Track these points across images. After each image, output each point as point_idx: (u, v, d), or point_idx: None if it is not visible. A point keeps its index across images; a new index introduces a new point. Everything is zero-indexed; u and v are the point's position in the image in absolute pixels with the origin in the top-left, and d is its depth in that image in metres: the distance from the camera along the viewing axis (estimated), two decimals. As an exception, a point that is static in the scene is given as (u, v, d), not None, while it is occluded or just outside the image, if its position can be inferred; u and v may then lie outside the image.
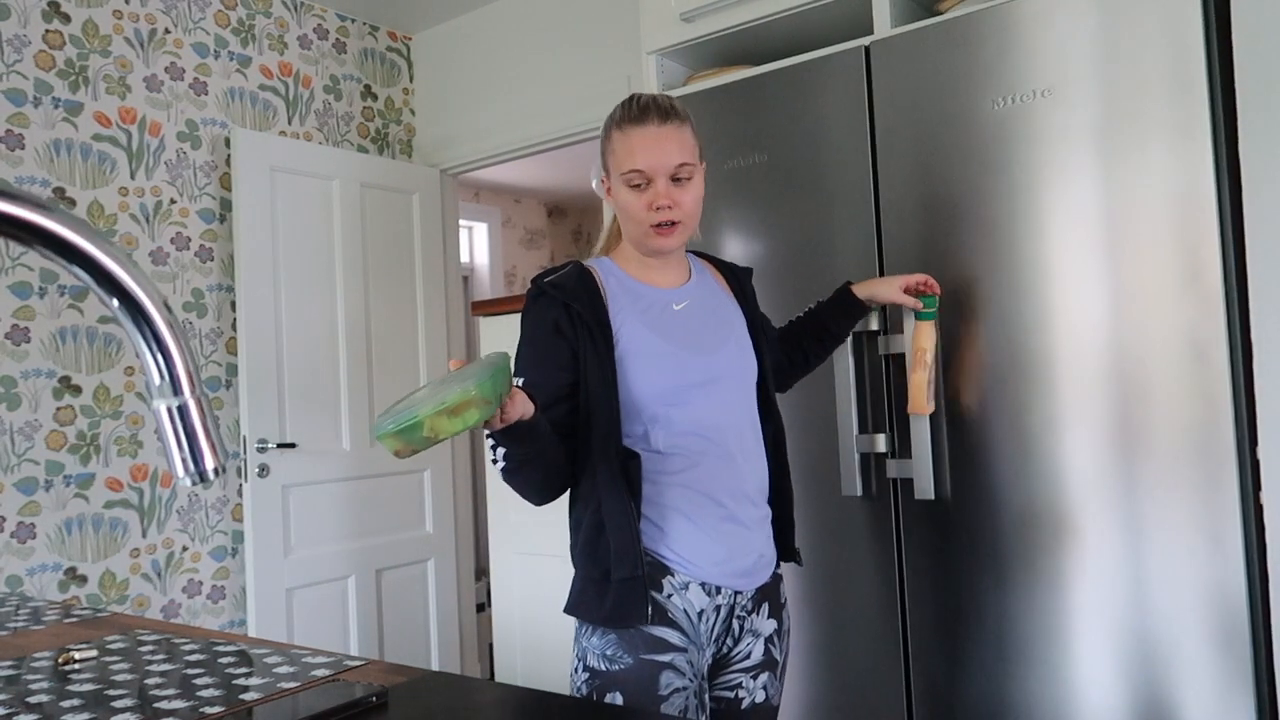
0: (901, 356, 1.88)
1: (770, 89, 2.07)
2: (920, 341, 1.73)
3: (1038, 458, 1.73)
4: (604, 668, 1.38)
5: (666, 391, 1.42)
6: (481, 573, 4.44)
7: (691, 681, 1.39)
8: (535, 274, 1.54)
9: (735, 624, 1.46)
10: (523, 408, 1.22)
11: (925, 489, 1.82)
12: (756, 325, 1.55)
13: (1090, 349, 1.68)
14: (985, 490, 1.78)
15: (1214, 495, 1.57)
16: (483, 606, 4.15)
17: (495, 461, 1.35)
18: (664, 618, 1.39)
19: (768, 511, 1.51)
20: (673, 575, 1.41)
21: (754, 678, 1.48)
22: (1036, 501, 1.73)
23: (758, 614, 1.48)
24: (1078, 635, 1.69)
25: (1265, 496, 1.56)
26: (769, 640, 1.50)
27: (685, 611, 1.41)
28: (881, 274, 1.91)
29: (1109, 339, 1.67)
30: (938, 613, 1.84)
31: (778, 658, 1.52)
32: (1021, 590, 1.74)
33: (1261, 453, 1.57)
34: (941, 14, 1.94)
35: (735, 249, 2.11)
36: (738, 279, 1.60)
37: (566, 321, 1.42)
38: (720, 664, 1.47)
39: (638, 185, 1.43)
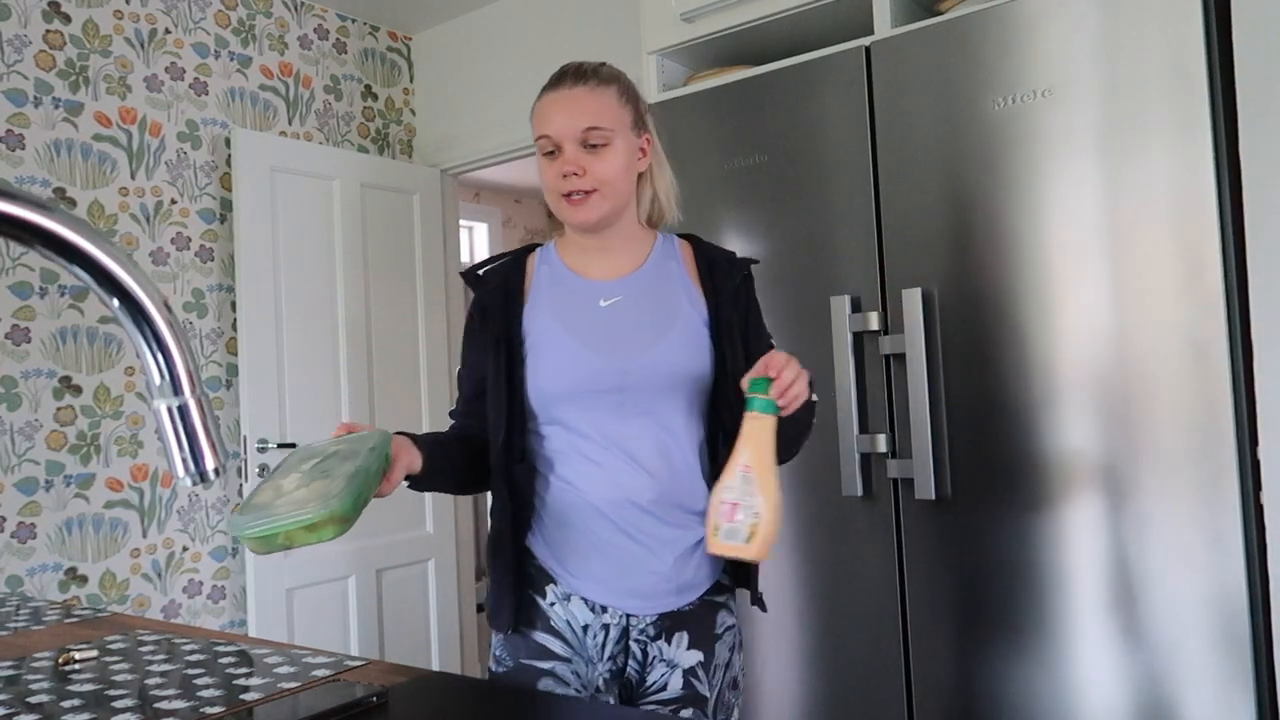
0: (903, 356, 1.87)
1: (770, 89, 2.07)
2: (753, 450, 1.16)
3: (1038, 457, 1.73)
4: (493, 668, 1.37)
5: (566, 393, 1.34)
6: (482, 573, 4.44)
7: (579, 693, 1.33)
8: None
9: (636, 648, 1.35)
10: (403, 474, 1.24)
11: (925, 489, 1.82)
12: (725, 323, 1.37)
13: (1091, 348, 1.68)
14: (986, 490, 1.78)
15: (1214, 495, 1.57)
16: (483, 607, 4.15)
17: None
18: (547, 625, 1.34)
19: (695, 534, 1.35)
20: (555, 584, 1.35)
21: (675, 712, 1.34)
22: (1037, 501, 1.73)
23: (669, 643, 1.35)
24: (1078, 635, 1.69)
25: (1265, 496, 1.56)
26: (690, 673, 1.35)
27: (568, 623, 1.34)
28: (882, 275, 1.91)
29: (1109, 339, 1.66)
30: (938, 613, 1.83)
31: (705, 693, 1.35)
32: (1022, 590, 1.74)
33: (1262, 452, 1.56)
34: (942, 14, 1.94)
35: (735, 249, 2.11)
36: (714, 270, 1.42)
37: (480, 317, 1.40)
38: (634, 690, 1.37)
39: (550, 153, 1.35)
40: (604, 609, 1.34)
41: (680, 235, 1.49)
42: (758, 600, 1.44)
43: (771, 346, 1.44)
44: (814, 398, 1.33)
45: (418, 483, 1.32)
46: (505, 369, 1.36)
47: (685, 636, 1.36)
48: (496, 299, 1.39)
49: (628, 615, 1.34)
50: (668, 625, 1.35)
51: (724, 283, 1.42)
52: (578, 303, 1.38)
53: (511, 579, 1.34)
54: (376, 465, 1.15)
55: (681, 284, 1.42)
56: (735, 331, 1.39)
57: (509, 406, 1.35)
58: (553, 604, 1.35)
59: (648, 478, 1.33)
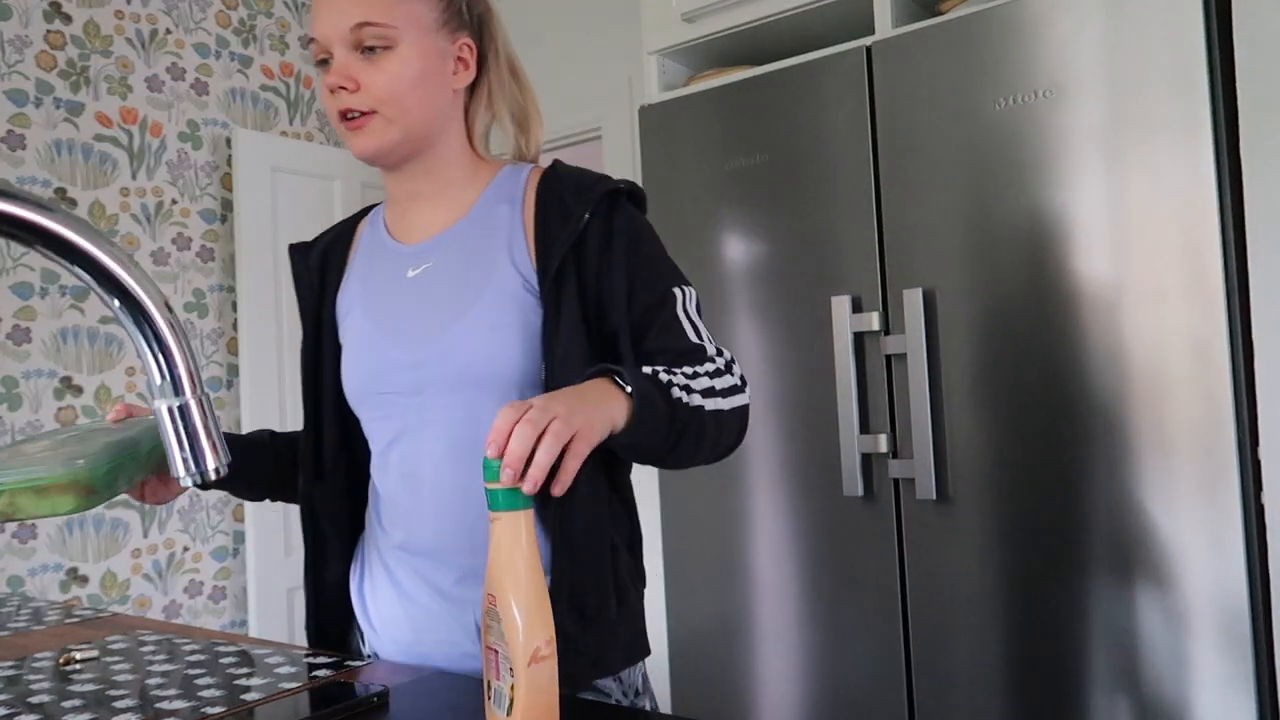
0: (904, 357, 1.87)
1: (771, 89, 2.07)
2: (495, 569, 0.76)
3: (1039, 458, 1.73)
4: None
5: (361, 395, 1.08)
6: (482, 573, 4.42)
7: None
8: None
9: None
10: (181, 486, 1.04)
11: (926, 489, 1.82)
12: (559, 289, 1.00)
13: (1092, 349, 1.68)
14: (987, 490, 1.78)
15: (1215, 496, 1.57)
16: (484, 607, 4.14)
17: None
18: None
19: None
20: (363, 641, 1.13)
21: None
22: (1038, 501, 1.73)
23: None
24: (1079, 635, 1.69)
25: (1266, 497, 1.56)
26: None
27: None
28: (883, 275, 1.91)
29: (1110, 339, 1.66)
30: (939, 613, 1.83)
31: None
32: (1023, 591, 1.74)
33: (1263, 453, 1.56)
34: (943, 14, 1.94)
35: (735, 249, 2.11)
36: (550, 210, 1.03)
37: (300, 299, 1.18)
38: None
39: (322, 61, 1.04)
40: None
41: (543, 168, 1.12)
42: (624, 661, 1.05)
43: (669, 300, 1.02)
44: (691, 400, 0.95)
45: (218, 485, 1.11)
46: (312, 363, 1.13)
47: None
48: (311, 277, 1.15)
49: None
50: None
51: (560, 228, 1.01)
52: (385, 274, 1.10)
53: (312, 627, 1.13)
54: (150, 445, 0.97)
55: (508, 235, 1.04)
56: (576, 298, 1.00)
57: (313, 410, 1.12)
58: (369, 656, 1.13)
59: (433, 515, 1.03)
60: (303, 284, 1.16)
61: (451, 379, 1.01)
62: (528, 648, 0.74)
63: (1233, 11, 1.59)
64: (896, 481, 1.89)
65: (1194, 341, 1.59)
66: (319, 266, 1.16)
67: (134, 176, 3.00)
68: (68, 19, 2.87)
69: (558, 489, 0.80)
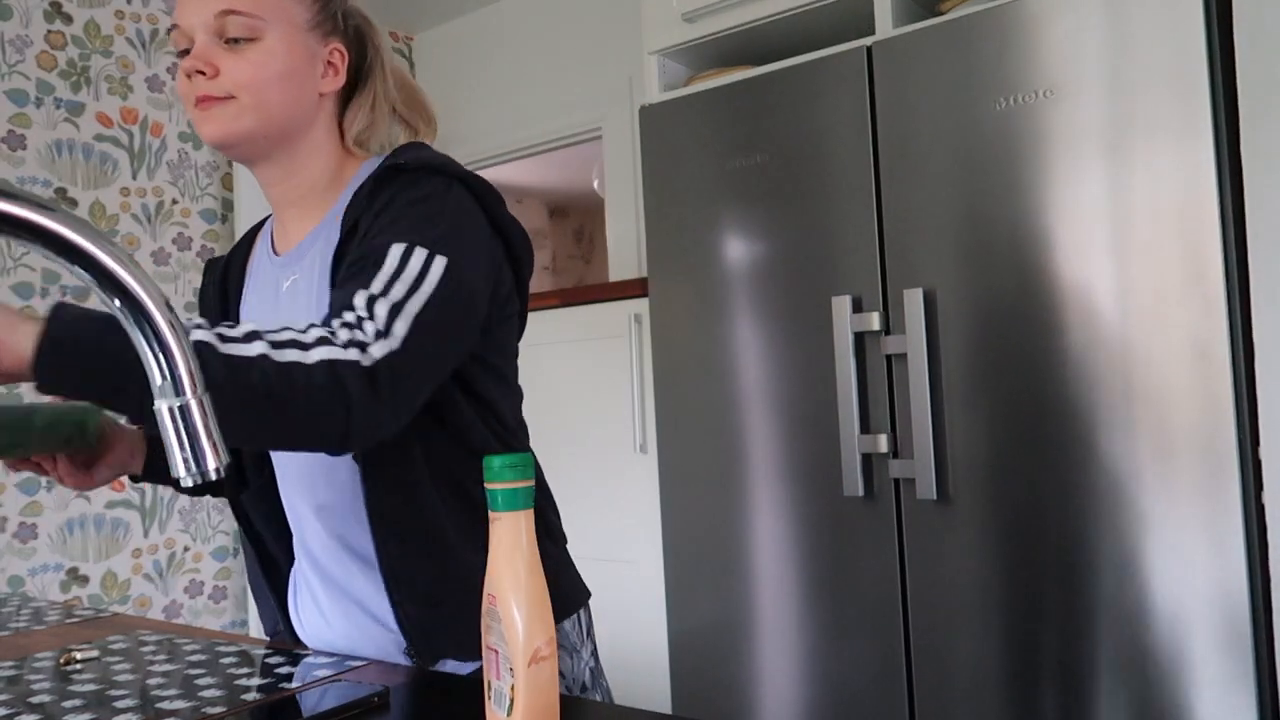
0: (904, 357, 1.87)
1: (771, 89, 2.07)
2: (494, 567, 0.75)
3: (1040, 458, 1.73)
4: None
5: None
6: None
7: None
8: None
9: None
10: (113, 470, 1.05)
11: (927, 489, 1.82)
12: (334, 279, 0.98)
13: (1092, 348, 1.68)
14: (987, 490, 1.78)
15: (1216, 496, 1.57)
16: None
17: None
18: None
19: (369, 592, 1.06)
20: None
21: None
22: (1038, 502, 1.73)
23: None
24: (1079, 635, 1.69)
25: (1267, 497, 1.56)
26: None
27: None
28: (883, 275, 1.91)
29: (1111, 339, 1.66)
30: (939, 613, 1.83)
31: None
32: (1023, 590, 1.74)
33: (1263, 453, 1.56)
34: (943, 14, 1.94)
35: (736, 249, 2.11)
36: (352, 204, 1.01)
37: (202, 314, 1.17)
38: None
39: (184, 51, 1.01)
40: None
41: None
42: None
43: (378, 253, 0.91)
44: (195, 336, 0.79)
45: (145, 478, 1.12)
46: None
47: None
48: (214, 293, 1.15)
49: None
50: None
51: (349, 215, 1.00)
52: (266, 287, 1.09)
53: (277, 631, 1.16)
54: (53, 420, 0.93)
55: (335, 237, 1.03)
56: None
57: None
58: None
59: (312, 519, 1.06)
60: (205, 301, 1.16)
61: None
62: (528, 648, 0.73)
63: (1233, 11, 1.59)
64: (897, 481, 1.89)
65: (1194, 341, 1.59)
66: (220, 281, 1.16)
67: (134, 176, 3.00)
68: (68, 19, 2.87)
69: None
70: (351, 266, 0.92)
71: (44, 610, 1.37)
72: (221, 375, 0.76)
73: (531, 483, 0.75)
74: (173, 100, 3.10)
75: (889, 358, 1.90)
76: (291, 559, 1.16)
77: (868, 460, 1.92)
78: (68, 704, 0.90)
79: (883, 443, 1.89)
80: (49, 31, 2.83)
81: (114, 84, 2.97)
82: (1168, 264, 1.62)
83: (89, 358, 0.74)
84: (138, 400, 0.75)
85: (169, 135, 3.09)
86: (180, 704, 0.89)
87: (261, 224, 1.19)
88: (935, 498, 1.82)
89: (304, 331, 0.83)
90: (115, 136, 2.96)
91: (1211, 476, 1.57)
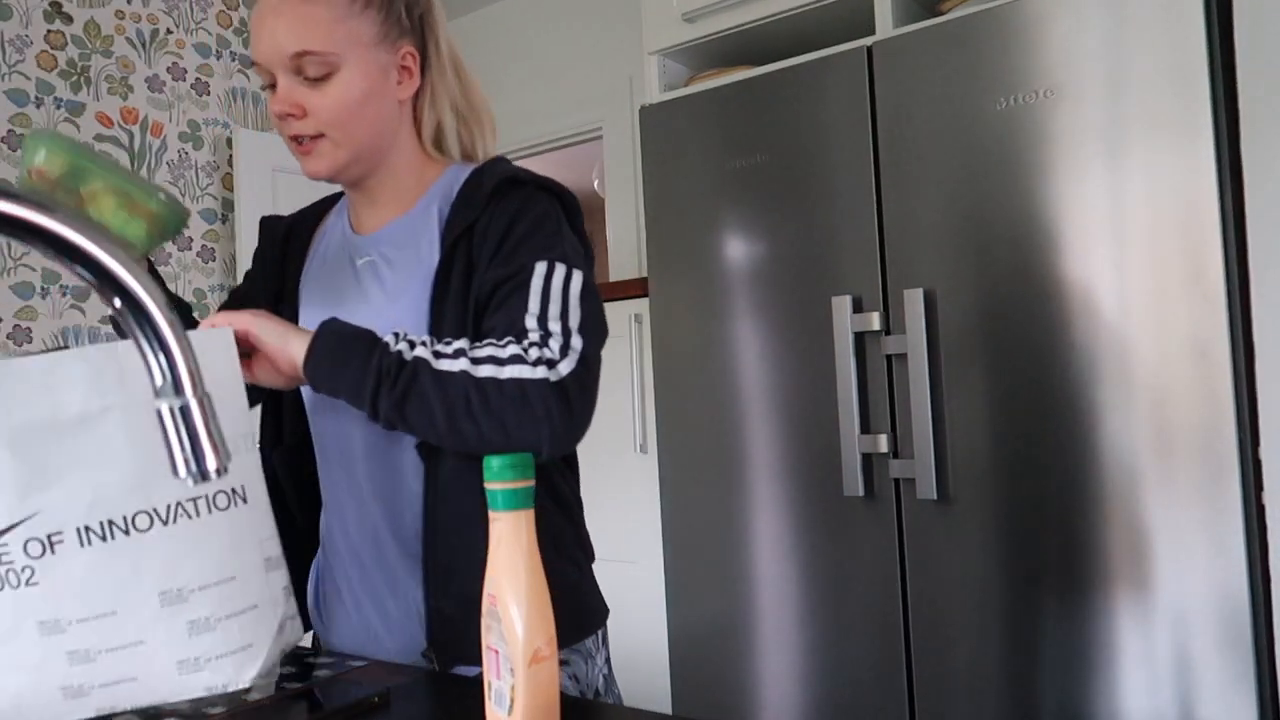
0: (904, 357, 1.87)
1: (772, 89, 2.07)
2: (494, 566, 0.76)
3: (1040, 458, 1.73)
4: None
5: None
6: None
7: None
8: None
9: None
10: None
11: (927, 489, 1.82)
12: (449, 282, 1.02)
13: (1093, 349, 1.68)
14: (987, 490, 1.78)
15: (1216, 496, 1.57)
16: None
17: None
18: None
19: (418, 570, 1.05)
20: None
21: None
22: (1039, 502, 1.73)
23: None
24: (1080, 636, 1.69)
25: (1267, 497, 1.56)
26: None
27: None
28: (883, 275, 1.91)
29: (1111, 339, 1.66)
30: (940, 613, 1.83)
31: None
32: (1024, 591, 1.74)
33: (1264, 453, 1.56)
34: (943, 14, 1.94)
35: (736, 249, 2.11)
36: (458, 208, 1.05)
37: (258, 268, 1.19)
38: None
39: (270, 86, 1.04)
40: None
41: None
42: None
43: (525, 272, 0.98)
44: (413, 353, 0.93)
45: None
46: None
47: None
48: (275, 251, 1.17)
49: None
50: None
51: (461, 209, 1.04)
52: (339, 261, 1.12)
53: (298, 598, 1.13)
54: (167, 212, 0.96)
55: (433, 230, 1.07)
56: (464, 279, 1.01)
57: (272, 393, 1.11)
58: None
59: (389, 496, 1.05)
60: (267, 259, 1.17)
61: None
62: (528, 648, 0.73)
63: (1233, 12, 1.59)
64: (897, 481, 1.89)
65: (1195, 341, 1.59)
66: (282, 242, 1.18)
67: (135, 176, 3.00)
68: (68, 19, 2.87)
69: (251, 376, 0.93)
70: (503, 286, 0.98)
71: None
72: (431, 389, 0.90)
73: (531, 483, 0.75)
74: (173, 100, 3.10)
75: (889, 358, 1.90)
76: (313, 542, 1.15)
77: (868, 460, 1.92)
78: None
79: (883, 443, 1.89)
80: (49, 31, 2.83)
81: (114, 84, 2.97)
82: (1168, 264, 1.62)
83: (340, 367, 0.91)
84: (371, 403, 0.91)
85: (169, 135, 3.09)
86: (182, 704, 0.89)
87: (333, 199, 1.21)
88: (935, 498, 1.82)
89: (501, 346, 0.93)
90: (115, 136, 2.96)
91: (1211, 476, 1.57)
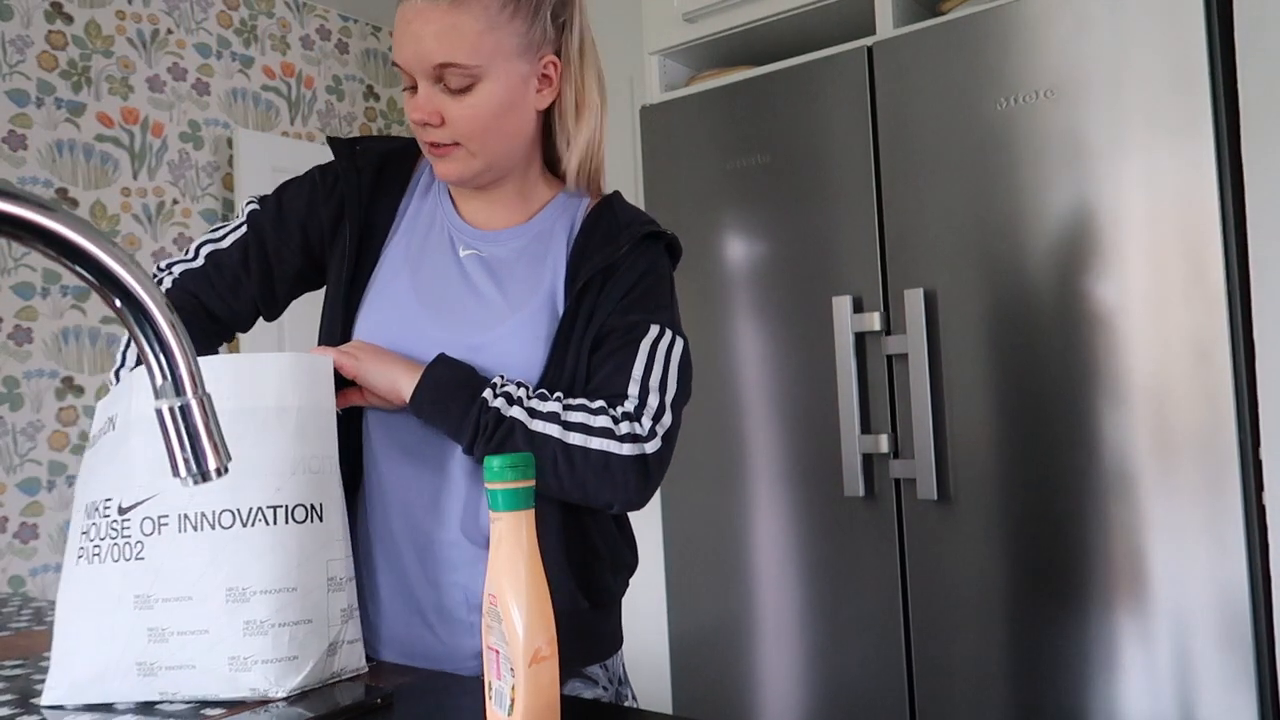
0: (905, 357, 1.87)
1: (772, 89, 2.07)
2: (496, 565, 0.76)
3: (1040, 458, 1.73)
4: None
5: None
6: (483, 573, 4.42)
7: None
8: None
9: None
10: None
11: (928, 489, 1.82)
12: (577, 314, 1.04)
13: (1093, 349, 1.68)
14: (988, 491, 1.78)
15: (1216, 496, 1.57)
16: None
17: None
18: None
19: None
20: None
21: None
22: (1039, 502, 1.73)
23: None
24: (1080, 636, 1.69)
25: (1268, 498, 1.56)
26: None
27: None
28: (884, 275, 1.91)
29: (1112, 340, 1.66)
30: (940, 614, 1.83)
31: None
32: (1024, 591, 1.74)
33: (1264, 454, 1.56)
34: (944, 14, 1.94)
35: (736, 250, 2.11)
36: (590, 239, 1.06)
37: (328, 199, 1.10)
38: None
39: (410, 88, 1.02)
40: None
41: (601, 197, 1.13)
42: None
43: (639, 331, 1.03)
44: (509, 411, 0.97)
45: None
46: (345, 288, 1.07)
47: None
48: (365, 178, 1.10)
49: None
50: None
51: (598, 250, 1.05)
52: (437, 243, 1.09)
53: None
54: None
55: (555, 257, 1.07)
56: (593, 302, 1.04)
57: (341, 335, 1.07)
58: None
59: (454, 498, 1.04)
60: (352, 196, 1.09)
61: (497, 369, 1.02)
62: (529, 648, 0.74)
63: (1234, 12, 1.59)
64: (897, 482, 1.89)
65: (1195, 341, 1.59)
66: (375, 171, 1.11)
67: (135, 177, 3.00)
68: (69, 19, 2.87)
69: (340, 402, 0.97)
70: (615, 335, 1.03)
71: (45, 610, 1.37)
72: (523, 448, 0.95)
73: (532, 483, 0.75)
74: (173, 100, 3.10)
75: (890, 358, 1.90)
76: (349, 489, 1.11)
77: (868, 460, 1.92)
78: (68, 705, 0.90)
79: (883, 443, 1.89)
80: (50, 31, 2.83)
81: (115, 84, 2.97)
82: (1168, 264, 1.61)
83: (442, 413, 0.97)
84: (466, 449, 0.98)
85: (170, 135, 3.09)
86: (181, 704, 0.89)
87: (415, 154, 1.15)
88: (936, 498, 1.82)
89: (594, 414, 0.98)
90: (116, 137, 2.96)
91: (1212, 477, 1.57)
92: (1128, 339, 1.65)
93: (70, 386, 2.81)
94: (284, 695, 0.88)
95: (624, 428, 0.99)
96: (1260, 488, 1.57)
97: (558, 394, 1.01)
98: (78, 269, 0.53)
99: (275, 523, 0.92)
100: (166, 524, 0.90)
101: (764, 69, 2.12)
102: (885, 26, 1.99)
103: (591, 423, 0.98)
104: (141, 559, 0.90)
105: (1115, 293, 1.66)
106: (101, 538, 0.91)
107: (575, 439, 0.97)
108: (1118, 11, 1.66)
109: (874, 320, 1.89)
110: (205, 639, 0.88)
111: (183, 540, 0.90)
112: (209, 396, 0.57)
